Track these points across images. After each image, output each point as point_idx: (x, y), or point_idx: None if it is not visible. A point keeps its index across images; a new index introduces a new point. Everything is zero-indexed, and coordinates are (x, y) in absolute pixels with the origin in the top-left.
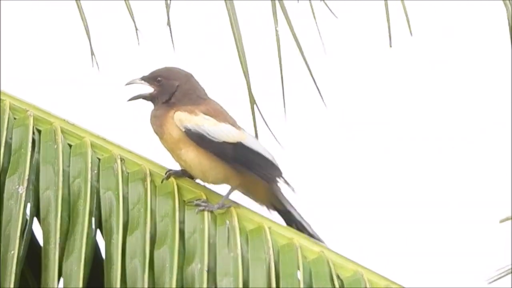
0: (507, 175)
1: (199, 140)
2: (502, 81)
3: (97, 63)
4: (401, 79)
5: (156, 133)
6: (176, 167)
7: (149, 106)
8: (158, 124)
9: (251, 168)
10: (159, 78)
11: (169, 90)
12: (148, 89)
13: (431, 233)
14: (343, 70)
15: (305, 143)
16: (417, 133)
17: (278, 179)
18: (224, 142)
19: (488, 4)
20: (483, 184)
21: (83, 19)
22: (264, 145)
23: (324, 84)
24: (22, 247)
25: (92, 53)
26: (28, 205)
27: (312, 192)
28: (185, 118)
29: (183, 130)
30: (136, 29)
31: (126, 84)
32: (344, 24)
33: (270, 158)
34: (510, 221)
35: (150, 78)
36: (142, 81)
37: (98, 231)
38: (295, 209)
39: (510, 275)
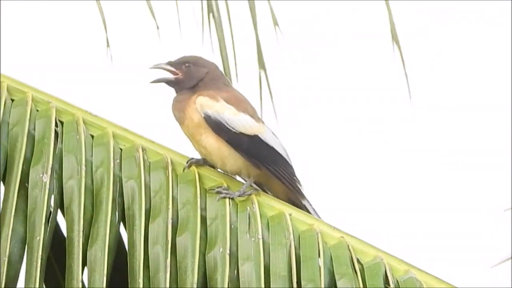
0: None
1: (216, 127)
2: (502, 81)
3: (111, 56)
4: (401, 80)
5: (178, 119)
6: (198, 156)
7: (171, 95)
8: (180, 108)
9: (263, 163)
10: (187, 64)
11: (197, 76)
12: (171, 75)
13: (437, 222)
14: (344, 69)
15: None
16: (420, 128)
17: (289, 176)
18: (241, 133)
19: (488, 4)
20: (485, 175)
21: (101, 11)
22: (281, 141)
23: (324, 84)
24: (47, 233)
25: (108, 44)
26: (52, 195)
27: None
28: (206, 104)
29: (203, 115)
30: (157, 27)
31: (151, 68)
32: (346, 23)
33: (284, 154)
34: (510, 211)
35: (178, 63)
36: (169, 66)
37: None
38: (310, 204)
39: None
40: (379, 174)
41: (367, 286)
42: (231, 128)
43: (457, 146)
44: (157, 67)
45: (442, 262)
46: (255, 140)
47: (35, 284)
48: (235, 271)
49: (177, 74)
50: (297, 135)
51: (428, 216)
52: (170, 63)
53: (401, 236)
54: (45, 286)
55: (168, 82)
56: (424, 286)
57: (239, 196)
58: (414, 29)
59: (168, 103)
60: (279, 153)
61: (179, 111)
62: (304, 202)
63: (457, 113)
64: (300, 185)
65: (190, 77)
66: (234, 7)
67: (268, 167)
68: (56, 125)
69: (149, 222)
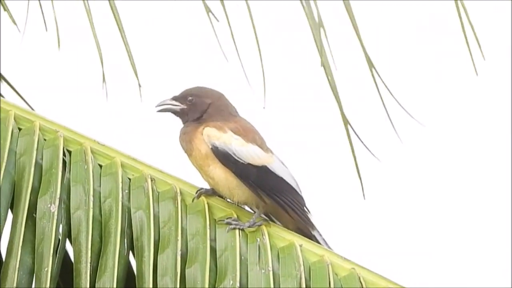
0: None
1: (224, 158)
2: (502, 80)
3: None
4: (402, 79)
5: (185, 151)
6: (207, 186)
7: (179, 124)
8: (187, 140)
9: (270, 194)
10: (190, 98)
11: (201, 108)
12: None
13: (438, 234)
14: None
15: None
16: (419, 131)
17: (298, 206)
18: (249, 164)
19: (489, 4)
20: (484, 184)
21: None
22: (290, 170)
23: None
24: (56, 264)
25: (104, 80)
26: (60, 225)
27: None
28: (214, 135)
29: (210, 146)
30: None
31: (157, 106)
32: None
33: (293, 184)
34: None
35: (182, 98)
36: (173, 102)
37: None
38: (320, 234)
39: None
40: (389, 204)
41: None
42: (238, 159)
43: (455, 156)
44: (162, 104)
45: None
46: (263, 171)
47: None
48: None
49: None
50: (304, 161)
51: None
52: (174, 98)
53: (412, 268)
54: None
55: (175, 112)
56: None
57: (249, 227)
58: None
59: (176, 132)
60: (288, 183)
61: (187, 142)
62: (314, 232)
63: (456, 126)
64: (310, 215)
65: (193, 110)
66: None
67: (275, 198)
68: (64, 155)
69: (158, 253)
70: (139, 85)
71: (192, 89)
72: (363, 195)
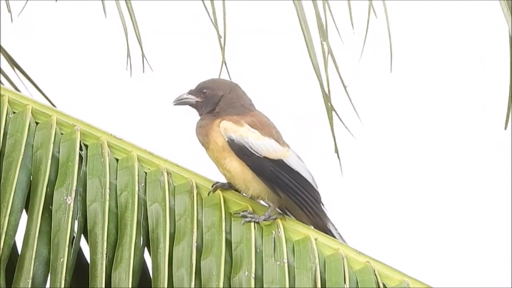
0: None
1: (240, 152)
2: (501, 80)
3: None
4: (402, 79)
5: (202, 144)
6: (223, 180)
7: (195, 118)
8: (203, 133)
9: (285, 189)
10: (204, 90)
11: (213, 100)
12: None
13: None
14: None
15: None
16: (423, 131)
17: (314, 201)
18: (265, 158)
19: (489, 4)
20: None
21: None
22: (306, 165)
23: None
24: (71, 255)
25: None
26: (76, 217)
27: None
28: (230, 128)
29: (226, 139)
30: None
31: (175, 101)
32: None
33: (309, 179)
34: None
35: (197, 91)
36: (190, 96)
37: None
38: (335, 228)
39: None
40: (402, 198)
41: None
42: (254, 153)
43: (454, 157)
44: (179, 100)
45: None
46: (280, 164)
47: None
48: None
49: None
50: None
51: (452, 240)
52: (190, 92)
53: (426, 261)
54: None
55: (191, 105)
56: None
57: (264, 220)
58: (408, 29)
59: (193, 126)
60: (303, 177)
61: (203, 135)
62: (329, 226)
63: (456, 125)
64: (325, 209)
65: (207, 103)
66: None
67: (291, 193)
68: (81, 148)
69: (174, 246)
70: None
71: (206, 81)
72: (341, 172)
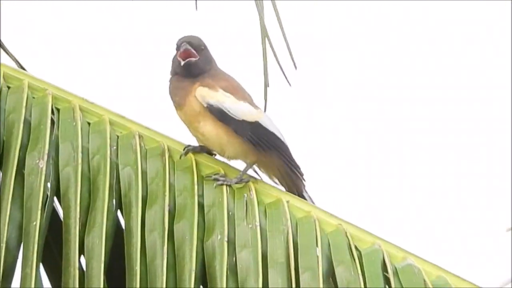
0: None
1: (221, 116)
2: (502, 80)
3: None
4: (403, 77)
5: (177, 104)
6: (195, 143)
7: (167, 82)
8: (181, 95)
9: (266, 150)
10: (203, 47)
11: (209, 59)
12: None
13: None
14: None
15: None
16: (421, 132)
17: (291, 160)
18: (244, 121)
19: (489, 4)
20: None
21: None
22: (277, 126)
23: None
24: (44, 219)
25: None
26: (49, 181)
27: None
28: (207, 94)
29: (205, 105)
30: None
31: (184, 61)
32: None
33: (283, 139)
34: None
35: (197, 47)
36: (194, 50)
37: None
38: (308, 194)
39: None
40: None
41: (365, 273)
42: (234, 116)
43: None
44: (188, 52)
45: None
46: (257, 126)
47: (31, 270)
48: (233, 258)
49: (196, 57)
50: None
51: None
52: (191, 45)
53: (399, 224)
54: (46, 271)
55: (191, 63)
56: (423, 273)
57: (236, 183)
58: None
59: (165, 90)
60: (278, 137)
61: (180, 97)
62: (302, 188)
63: (457, 127)
64: (301, 172)
65: (205, 61)
66: None
67: (271, 153)
68: (53, 112)
69: (146, 209)
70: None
71: (196, 37)
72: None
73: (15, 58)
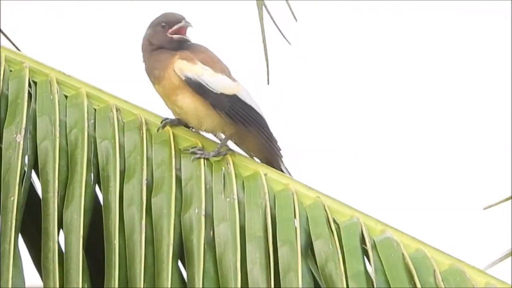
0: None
1: (199, 89)
2: (502, 80)
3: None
4: (403, 77)
5: (155, 78)
6: (172, 116)
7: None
8: (160, 67)
9: (243, 123)
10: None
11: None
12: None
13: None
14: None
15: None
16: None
17: (268, 134)
18: (222, 94)
19: (489, 3)
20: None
21: None
22: (254, 99)
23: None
24: (22, 194)
25: None
26: (26, 155)
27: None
28: (185, 67)
29: (183, 78)
30: None
31: (178, 37)
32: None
33: (260, 112)
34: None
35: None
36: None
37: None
38: (285, 167)
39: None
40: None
41: (344, 246)
42: (212, 89)
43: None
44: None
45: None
46: (235, 99)
47: (9, 245)
48: (211, 232)
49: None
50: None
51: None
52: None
53: (377, 197)
54: (26, 245)
55: (185, 40)
56: (401, 246)
57: (214, 156)
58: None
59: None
60: (256, 111)
61: (159, 70)
62: (279, 161)
63: (452, 120)
64: (277, 144)
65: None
66: None
67: (244, 127)
68: (30, 86)
69: (124, 183)
70: None
71: (179, 14)
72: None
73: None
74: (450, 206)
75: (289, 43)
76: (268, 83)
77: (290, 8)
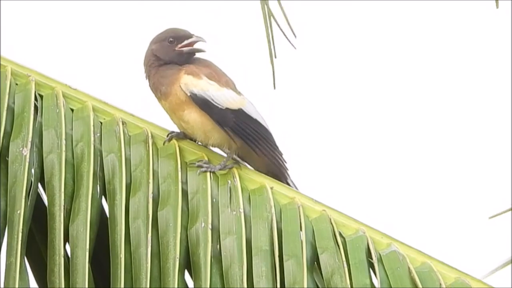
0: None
1: (204, 105)
2: (502, 80)
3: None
4: (403, 77)
5: (161, 93)
6: (177, 129)
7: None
8: (166, 83)
9: (247, 138)
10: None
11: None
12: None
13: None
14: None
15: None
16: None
17: (273, 148)
18: (227, 109)
19: (490, 4)
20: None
21: None
22: (260, 112)
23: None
24: (28, 207)
25: None
26: (32, 168)
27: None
28: (191, 82)
29: (189, 94)
30: None
31: (190, 50)
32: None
33: (266, 126)
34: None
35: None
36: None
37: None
38: (291, 180)
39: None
40: (363, 151)
41: (350, 260)
42: (217, 105)
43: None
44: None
45: (422, 235)
46: (240, 114)
47: (16, 258)
48: (217, 246)
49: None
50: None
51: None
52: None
53: (383, 212)
54: (28, 260)
55: (198, 51)
56: (407, 260)
57: (220, 169)
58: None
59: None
60: (262, 124)
61: (166, 85)
62: (286, 175)
63: (453, 123)
64: (284, 158)
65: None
66: None
67: (253, 142)
68: (36, 99)
69: (130, 196)
70: None
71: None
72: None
73: None
74: (454, 215)
75: (295, 48)
76: (274, 88)
77: (290, 26)
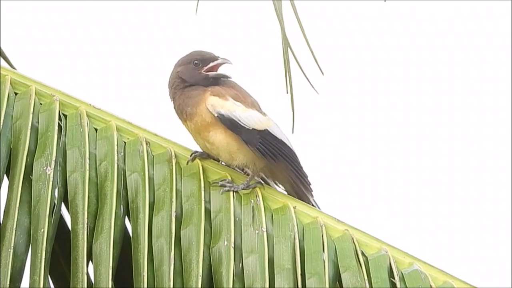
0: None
1: (232, 126)
2: (502, 80)
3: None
4: (403, 78)
5: (187, 115)
6: (201, 149)
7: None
8: (192, 104)
9: (276, 157)
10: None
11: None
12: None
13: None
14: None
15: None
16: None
17: (298, 168)
18: (253, 129)
19: (489, 4)
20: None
21: None
22: (284, 133)
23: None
24: (52, 226)
25: None
26: (56, 187)
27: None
28: (218, 104)
29: (216, 115)
30: None
31: (219, 75)
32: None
33: (290, 146)
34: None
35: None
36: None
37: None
38: (314, 200)
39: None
40: (382, 169)
41: (372, 279)
42: (244, 125)
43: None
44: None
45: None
46: (266, 134)
47: (39, 276)
48: (240, 264)
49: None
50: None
51: (433, 210)
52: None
53: (405, 231)
54: (51, 278)
55: (223, 77)
56: (429, 279)
57: (243, 189)
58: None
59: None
60: (287, 145)
61: (191, 106)
62: (309, 195)
63: (455, 125)
64: (308, 179)
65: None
66: None
67: (275, 163)
68: (60, 119)
69: (153, 215)
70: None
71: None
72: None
73: (9, 61)
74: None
75: (317, 92)
76: (292, 132)
77: (316, 61)
